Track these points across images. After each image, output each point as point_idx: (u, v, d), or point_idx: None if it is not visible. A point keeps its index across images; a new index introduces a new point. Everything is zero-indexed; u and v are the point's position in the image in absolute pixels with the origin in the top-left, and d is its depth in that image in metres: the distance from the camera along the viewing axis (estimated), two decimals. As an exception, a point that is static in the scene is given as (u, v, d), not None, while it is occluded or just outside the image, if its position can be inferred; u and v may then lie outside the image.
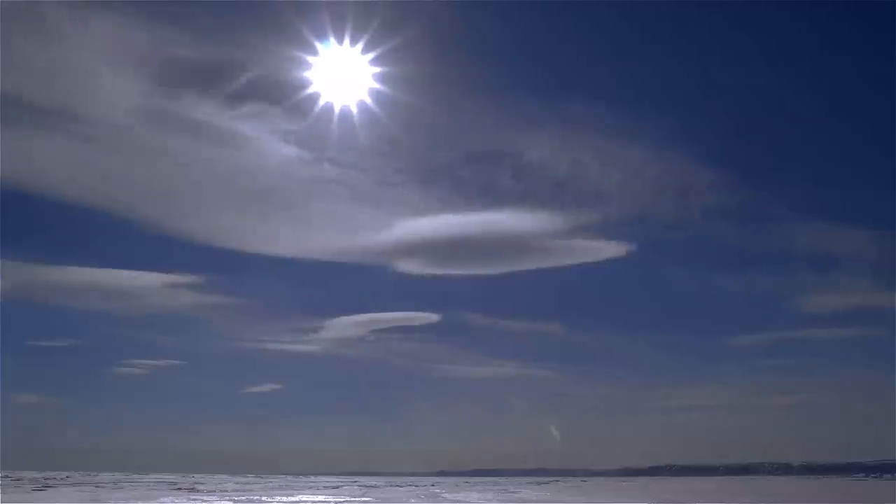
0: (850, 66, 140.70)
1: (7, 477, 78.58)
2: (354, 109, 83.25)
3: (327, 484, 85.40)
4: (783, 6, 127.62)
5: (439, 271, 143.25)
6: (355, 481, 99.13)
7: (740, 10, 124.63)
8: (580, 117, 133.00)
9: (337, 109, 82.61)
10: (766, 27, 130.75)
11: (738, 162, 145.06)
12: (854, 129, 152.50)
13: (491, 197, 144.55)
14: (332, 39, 68.64)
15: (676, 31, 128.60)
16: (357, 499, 49.74)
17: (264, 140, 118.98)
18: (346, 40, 68.16)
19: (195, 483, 76.66)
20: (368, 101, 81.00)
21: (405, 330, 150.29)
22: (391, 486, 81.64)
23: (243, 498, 48.26)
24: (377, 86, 77.39)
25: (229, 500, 45.93)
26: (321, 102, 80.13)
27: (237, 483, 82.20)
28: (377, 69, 73.99)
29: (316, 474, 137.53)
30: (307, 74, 76.19)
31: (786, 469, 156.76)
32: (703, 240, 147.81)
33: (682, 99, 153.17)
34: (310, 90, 77.65)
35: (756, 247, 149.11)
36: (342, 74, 76.34)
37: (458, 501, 48.90)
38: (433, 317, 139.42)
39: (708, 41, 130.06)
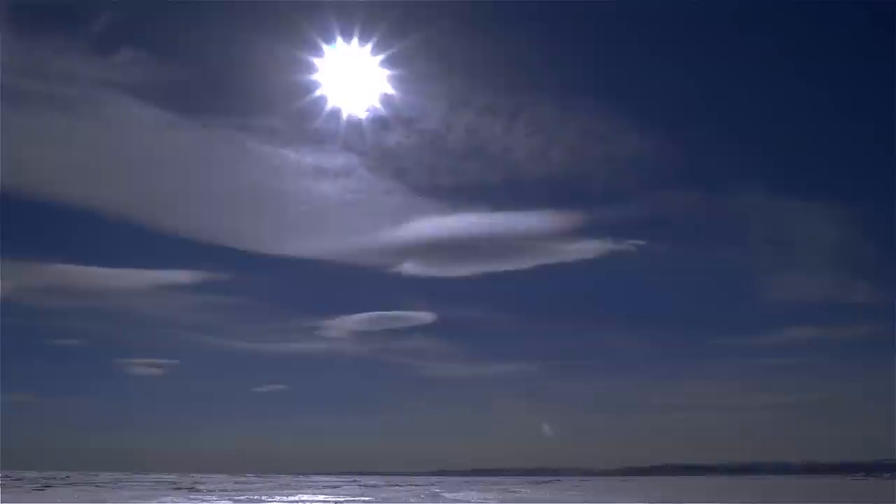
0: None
1: (7, 477, 78.55)
2: (361, 111, 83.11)
3: (327, 483, 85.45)
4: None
5: (439, 272, 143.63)
6: (355, 480, 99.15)
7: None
8: (601, 120, 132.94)
9: (342, 111, 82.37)
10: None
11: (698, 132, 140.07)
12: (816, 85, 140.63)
13: (492, 197, 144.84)
14: (340, 40, 68.10)
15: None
16: (357, 498, 49.78)
17: (270, 142, 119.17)
18: (354, 41, 67.68)
19: (195, 483, 76.68)
20: (375, 103, 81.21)
21: (404, 330, 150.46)
22: (391, 485, 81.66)
23: (243, 497, 48.31)
24: (385, 88, 77.54)
25: (229, 499, 45.97)
26: (326, 104, 79.72)
27: (237, 483, 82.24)
28: (386, 71, 74.22)
29: (316, 474, 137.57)
30: (313, 77, 75.44)
31: (786, 469, 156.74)
32: (692, 232, 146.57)
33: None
34: (316, 93, 77.01)
35: (747, 238, 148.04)
36: (349, 76, 75.87)
37: (458, 501, 48.93)
38: (433, 316, 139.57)
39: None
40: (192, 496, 49.60)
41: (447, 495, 56.22)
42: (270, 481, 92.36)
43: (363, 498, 50.34)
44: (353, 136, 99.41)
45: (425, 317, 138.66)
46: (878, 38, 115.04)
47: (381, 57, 70.22)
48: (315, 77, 74.44)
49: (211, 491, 57.86)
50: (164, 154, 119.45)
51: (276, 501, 44.97)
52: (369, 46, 68.20)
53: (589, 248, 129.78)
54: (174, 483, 74.85)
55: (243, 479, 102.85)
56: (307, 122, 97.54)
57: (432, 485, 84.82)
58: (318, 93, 76.37)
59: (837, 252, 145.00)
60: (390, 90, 79.53)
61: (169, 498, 46.95)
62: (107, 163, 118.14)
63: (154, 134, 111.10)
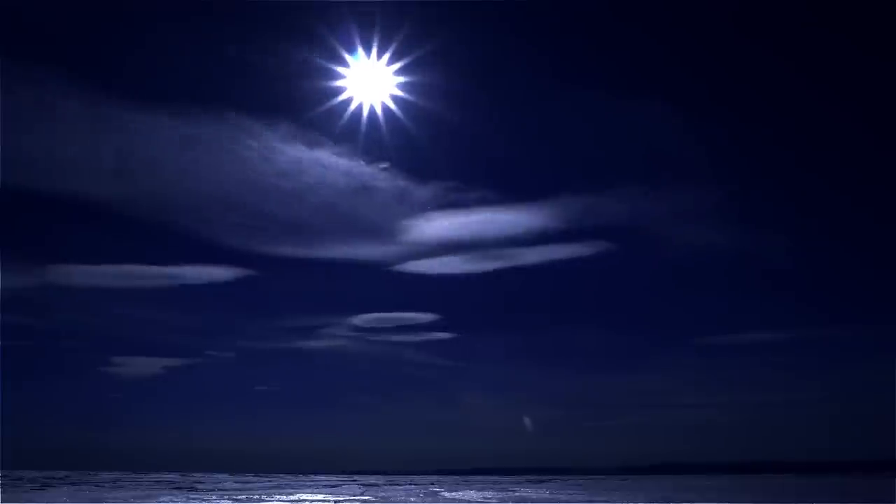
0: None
1: (6, 476, 78.52)
2: (378, 113, 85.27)
3: (327, 482, 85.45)
4: None
5: (445, 270, 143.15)
6: (355, 479, 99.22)
7: None
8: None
9: (360, 117, 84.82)
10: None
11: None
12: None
13: (499, 198, 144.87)
14: (360, 49, 72.07)
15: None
16: (357, 497, 49.82)
17: (281, 142, 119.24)
18: (374, 49, 72.10)
19: (195, 482, 76.68)
20: (392, 106, 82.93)
21: (405, 329, 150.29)
22: (391, 484, 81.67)
23: (243, 497, 48.31)
24: (402, 94, 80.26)
25: (229, 499, 45.98)
26: (345, 110, 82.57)
27: (237, 482, 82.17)
28: (403, 78, 77.26)
29: (315, 473, 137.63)
30: (333, 83, 78.97)
31: (785, 468, 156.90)
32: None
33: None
34: (335, 98, 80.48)
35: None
36: (368, 83, 79.14)
37: (457, 500, 48.95)
38: (435, 316, 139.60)
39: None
40: (192, 496, 49.58)
41: (447, 494, 56.25)
42: (270, 481, 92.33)
43: (363, 497, 50.36)
44: (368, 141, 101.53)
45: (429, 316, 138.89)
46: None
47: (398, 64, 74.18)
48: (335, 83, 78.88)
49: (211, 490, 57.88)
50: (180, 152, 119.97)
51: (275, 501, 44.96)
52: (387, 55, 72.12)
53: (591, 244, 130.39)
54: (174, 482, 74.83)
55: (243, 478, 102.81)
56: (325, 127, 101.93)
57: (432, 484, 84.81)
58: (337, 98, 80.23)
59: (845, 248, 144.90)
60: (407, 96, 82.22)
61: (169, 497, 46.94)
62: (123, 160, 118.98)
63: (175, 132, 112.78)
